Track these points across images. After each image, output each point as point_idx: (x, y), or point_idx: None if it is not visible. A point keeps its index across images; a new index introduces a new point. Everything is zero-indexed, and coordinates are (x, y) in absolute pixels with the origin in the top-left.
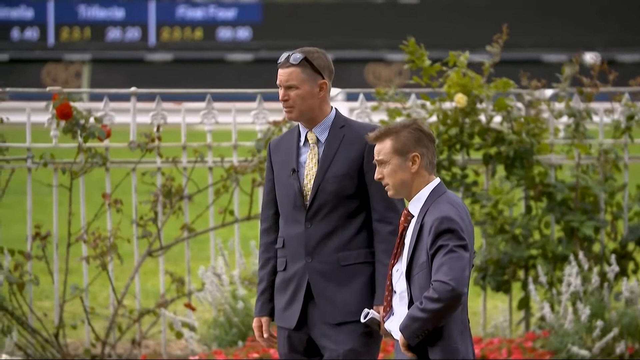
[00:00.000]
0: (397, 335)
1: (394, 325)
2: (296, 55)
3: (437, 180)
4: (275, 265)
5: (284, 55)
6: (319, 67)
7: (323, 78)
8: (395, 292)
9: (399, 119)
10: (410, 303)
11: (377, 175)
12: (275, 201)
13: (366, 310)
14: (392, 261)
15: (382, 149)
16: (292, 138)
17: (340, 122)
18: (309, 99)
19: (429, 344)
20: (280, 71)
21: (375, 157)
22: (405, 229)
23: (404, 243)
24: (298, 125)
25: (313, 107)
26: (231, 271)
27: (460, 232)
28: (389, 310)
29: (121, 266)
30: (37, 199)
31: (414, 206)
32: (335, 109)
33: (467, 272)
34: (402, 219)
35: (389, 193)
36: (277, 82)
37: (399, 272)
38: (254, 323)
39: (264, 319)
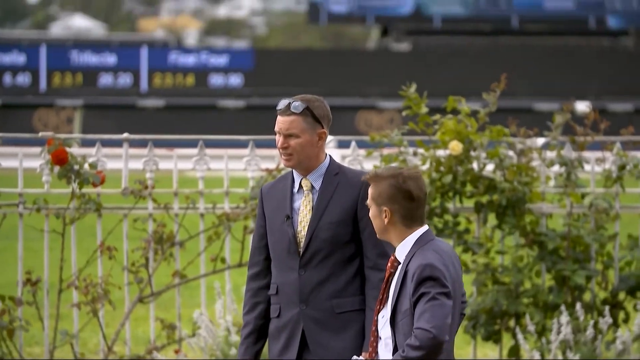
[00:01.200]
0: None
1: None
2: (297, 104)
3: (424, 228)
4: (263, 310)
5: (284, 102)
6: (319, 117)
7: (322, 127)
8: (380, 338)
9: (394, 164)
10: (395, 349)
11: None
12: (267, 247)
13: (355, 357)
14: (378, 307)
15: (368, 192)
16: (285, 184)
17: (335, 170)
18: (308, 148)
19: None
20: (280, 118)
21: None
22: (392, 274)
23: (389, 289)
24: (292, 171)
25: (311, 155)
26: (224, 317)
27: (442, 280)
28: (374, 356)
29: (112, 312)
30: (28, 245)
31: (400, 252)
32: (330, 156)
33: (449, 320)
34: (389, 264)
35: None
36: (276, 128)
37: (384, 319)
38: None
39: None
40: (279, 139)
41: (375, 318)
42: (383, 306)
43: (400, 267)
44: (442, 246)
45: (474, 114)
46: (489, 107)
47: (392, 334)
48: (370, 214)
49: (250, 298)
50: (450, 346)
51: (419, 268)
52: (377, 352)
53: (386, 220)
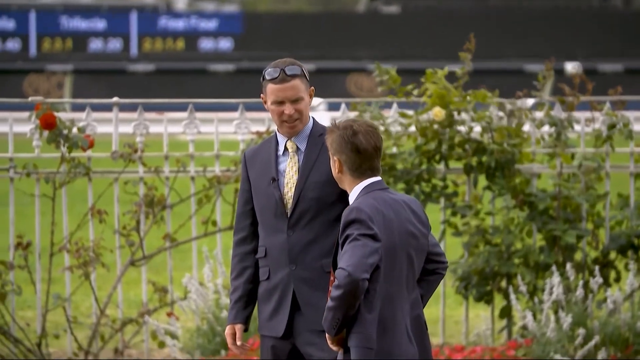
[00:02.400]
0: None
1: None
2: (293, 67)
3: (374, 179)
4: (252, 274)
5: (275, 71)
6: (307, 75)
7: (310, 85)
8: None
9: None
10: None
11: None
12: (253, 212)
13: None
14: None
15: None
16: (269, 147)
17: (319, 130)
18: (308, 109)
19: (347, 331)
20: (280, 87)
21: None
22: None
23: None
24: (275, 135)
25: (308, 116)
26: (215, 280)
27: (367, 222)
28: None
29: (104, 276)
30: (19, 209)
31: (350, 203)
32: (313, 117)
33: (371, 260)
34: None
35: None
36: (280, 98)
37: None
38: (227, 330)
39: (238, 326)
40: (282, 108)
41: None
42: None
43: None
44: (387, 195)
45: (453, 75)
46: (463, 67)
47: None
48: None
49: (238, 263)
50: (396, 289)
51: (346, 211)
52: None
53: (336, 170)
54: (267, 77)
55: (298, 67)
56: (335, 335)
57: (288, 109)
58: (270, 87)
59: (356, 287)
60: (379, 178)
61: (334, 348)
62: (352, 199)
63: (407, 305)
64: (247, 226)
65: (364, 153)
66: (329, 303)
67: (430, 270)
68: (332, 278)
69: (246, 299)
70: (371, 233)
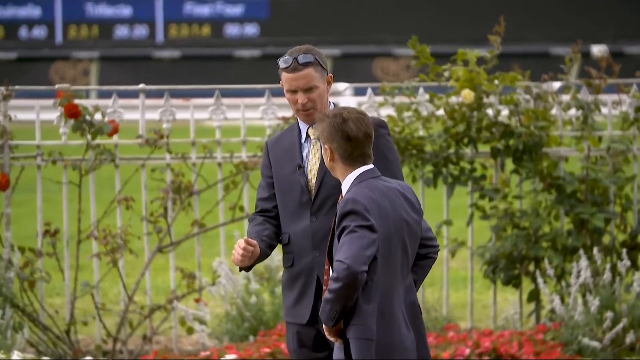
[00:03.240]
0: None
1: None
2: (307, 56)
3: (366, 167)
4: (273, 232)
5: (288, 60)
6: (323, 62)
7: (327, 72)
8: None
9: (406, 114)
10: None
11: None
12: (274, 198)
13: None
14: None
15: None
16: (292, 135)
17: None
18: (324, 97)
19: (345, 324)
20: (292, 75)
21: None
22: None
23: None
24: (297, 122)
25: (326, 103)
26: None
27: (364, 213)
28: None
29: (132, 262)
30: (46, 197)
31: (344, 190)
32: (333, 103)
33: (370, 252)
34: (339, 201)
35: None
36: (291, 87)
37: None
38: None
39: (252, 240)
40: (295, 97)
41: (328, 267)
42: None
43: None
44: (380, 184)
45: (483, 59)
46: (493, 50)
47: (331, 270)
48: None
49: (256, 225)
50: (391, 279)
51: (342, 202)
52: None
53: (328, 158)
54: (281, 66)
55: (311, 55)
56: (332, 326)
57: (301, 98)
58: (284, 76)
59: (355, 280)
60: (371, 166)
61: (331, 339)
62: (345, 187)
63: (402, 292)
64: (270, 209)
65: (355, 140)
66: (327, 295)
67: (423, 254)
68: (325, 267)
69: (267, 242)
70: (368, 224)
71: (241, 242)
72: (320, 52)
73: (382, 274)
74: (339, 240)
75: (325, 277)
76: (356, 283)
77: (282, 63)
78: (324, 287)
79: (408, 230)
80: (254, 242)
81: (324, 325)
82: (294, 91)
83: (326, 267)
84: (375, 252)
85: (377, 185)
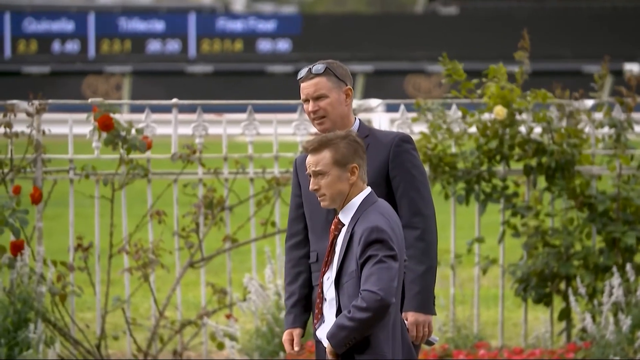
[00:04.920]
0: (326, 342)
1: (323, 333)
2: (318, 66)
3: (368, 190)
4: (306, 279)
5: (303, 70)
6: (341, 75)
7: (347, 84)
8: (325, 299)
9: (438, 131)
10: (338, 311)
11: (312, 186)
12: (304, 216)
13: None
14: (324, 269)
15: (321, 160)
16: None
17: (365, 132)
18: (338, 107)
19: (357, 352)
20: (304, 85)
21: (312, 168)
22: (336, 237)
23: (334, 251)
24: None
25: (343, 115)
26: (275, 281)
27: (389, 243)
28: (320, 318)
29: (163, 277)
30: (78, 211)
31: (345, 215)
32: (359, 119)
33: (395, 283)
34: (333, 227)
35: (323, 204)
36: (303, 96)
37: (329, 280)
38: (285, 336)
39: (297, 331)
40: (307, 106)
41: (321, 280)
42: (328, 268)
43: (345, 229)
44: (386, 208)
45: (512, 75)
46: (522, 66)
47: (336, 296)
48: (326, 182)
49: (292, 268)
50: (397, 307)
51: (366, 230)
52: (322, 314)
53: (353, 179)
54: (297, 77)
55: (325, 65)
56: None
57: (310, 106)
58: (300, 87)
59: (385, 311)
60: (370, 189)
61: (331, 357)
62: (349, 213)
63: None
64: (300, 230)
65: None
66: (348, 323)
67: None
68: (319, 291)
69: (303, 304)
70: (393, 254)
71: (291, 352)
72: (340, 65)
73: (396, 301)
74: (360, 268)
75: (318, 301)
76: (385, 315)
77: (299, 74)
78: (316, 311)
79: (403, 252)
80: (299, 345)
81: (327, 346)
82: (305, 100)
83: (319, 290)
84: (398, 282)
85: (387, 211)
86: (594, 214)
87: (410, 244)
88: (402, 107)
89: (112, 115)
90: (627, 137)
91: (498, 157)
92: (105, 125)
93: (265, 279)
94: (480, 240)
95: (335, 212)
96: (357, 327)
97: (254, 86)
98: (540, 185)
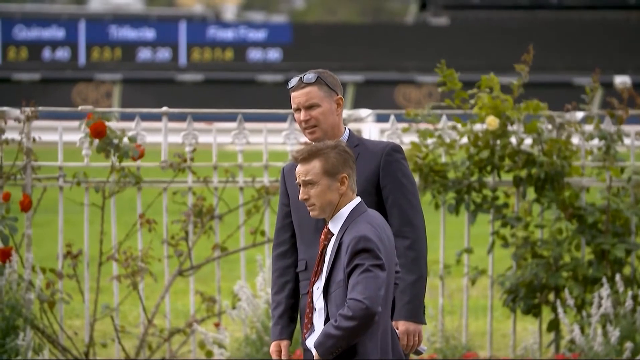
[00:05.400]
0: (314, 351)
1: (312, 342)
2: (310, 75)
3: (357, 200)
4: (292, 289)
5: (295, 79)
6: (332, 85)
7: (337, 94)
8: (315, 309)
9: (429, 140)
10: (327, 320)
11: (302, 196)
12: (291, 225)
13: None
14: (313, 278)
15: (311, 170)
16: None
17: (354, 141)
18: (329, 117)
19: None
20: (295, 94)
21: (302, 178)
22: (325, 247)
23: (324, 261)
24: None
25: (334, 124)
26: (266, 289)
27: (376, 252)
28: (310, 327)
29: (152, 285)
30: (68, 218)
31: (334, 225)
32: (349, 129)
33: (382, 292)
34: (322, 237)
35: (313, 214)
36: (294, 105)
37: (318, 290)
38: (272, 347)
39: (284, 343)
40: (299, 115)
41: (311, 290)
42: (317, 278)
43: (334, 238)
44: (375, 218)
45: (506, 87)
46: (520, 79)
47: (325, 305)
48: (316, 192)
49: (278, 278)
50: (387, 316)
51: (353, 240)
52: (312, 323)
53: (343, 189)
54: (288, 86)
55: (316, 74)
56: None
57: (302, 114)
58: (291, 95)
59: (371, 320)
60: (359, 198)
61: None
62: (337, 223)
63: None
64: (287, 240)
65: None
66: (334, 331)
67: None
68: (308, 300)
69: (290, 314)
70: (380, 263)
71: (275, 357)
72: (330, 75)
73: (383, 311)
74: (347, 277)
75: (307, 310)
76: (371, 323)
77: (289, 83)
78: (306, 321)
79: (394, 262)
80: (287, 356)
81: (315, 355)
82: (297, 109)
83: (309, 299)
84: (384, 291)
85: (375, 220)
86: (583, 226)
87: (401, 253)
88: (392, 117)
89: (105, 122)
90: (616, 150)
91: (489, 168)
92: (98, 132)
93: (256, 288)
94: (469, 250)
95: (324, 221)
96: (344, 336)
97: (244, 95)
98: (529, 196)
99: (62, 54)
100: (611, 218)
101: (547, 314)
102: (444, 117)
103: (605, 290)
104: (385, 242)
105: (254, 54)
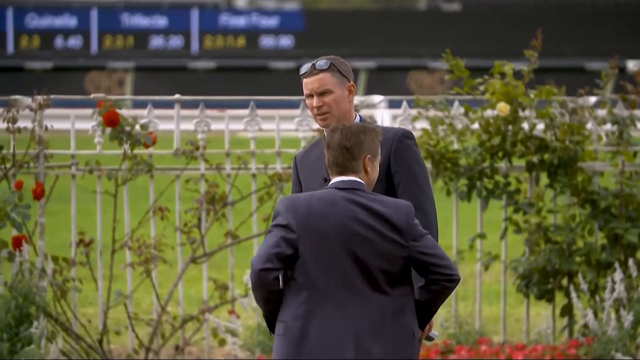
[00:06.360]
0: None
1: None
2: (322, 62)
3: (341, 178)
4: None
5: (307, 65)
6: (345, 71)
7: (349, 81)
8: None
9: (440, 127)
10: None
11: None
12: None
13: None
14: None
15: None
16: (319, 149)
17: None
18: (342, 103)
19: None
20: (308, 80)
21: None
22: None
23: None
24: (324, 136)
25: (346, 111)
26: None
27: (283, 213)
28: None
29: (165, 273)
30: (80, 206)
31: None
32: (359, 115)
33: (275, 249)
34: None
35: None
36: (307, 91)
37: None
38: None
39: None
40: (311, 101)
41: None
42: None
43: None
44: (334, 194)
45: (518, 73)
46: (531, 64)
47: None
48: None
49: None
50: (352, 294)
51: None
52: None
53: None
54: (300, 73)
55: (329, 61)
56: (272, 332)
57: (315, 101)
58: (303, 82)
59: (257, 277)
60: (349, 178)
61: None
62: None
63: (358, 307)
64: None
65: (330, 149)
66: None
67: (431, 280)
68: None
69: None
70: (283, 223)
71: None
72: (342, 62)
73: (311, 276)
74: None
75: None
76: (261, 281)
77: (301, 70)
78: None
79: (361, 243)
80: None
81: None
82: (309, 95)
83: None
84: (285, 251)
85: (327, 194)
86: (596, 211)
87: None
88: (404, 103)
89: (117, 110)
90: (630, 134)
91: (500, 154)
92: (111, 120)
93: None
94: (482, 236)
95: None
96: (256, 299)
97: (256, 82)
98: (542, 181)
99: (75, 42)
100: (624, 202)
101: (560, 299)
102: (456, 103)
103: (618, 275)
104: (326, 212)
105: (266, 41)
